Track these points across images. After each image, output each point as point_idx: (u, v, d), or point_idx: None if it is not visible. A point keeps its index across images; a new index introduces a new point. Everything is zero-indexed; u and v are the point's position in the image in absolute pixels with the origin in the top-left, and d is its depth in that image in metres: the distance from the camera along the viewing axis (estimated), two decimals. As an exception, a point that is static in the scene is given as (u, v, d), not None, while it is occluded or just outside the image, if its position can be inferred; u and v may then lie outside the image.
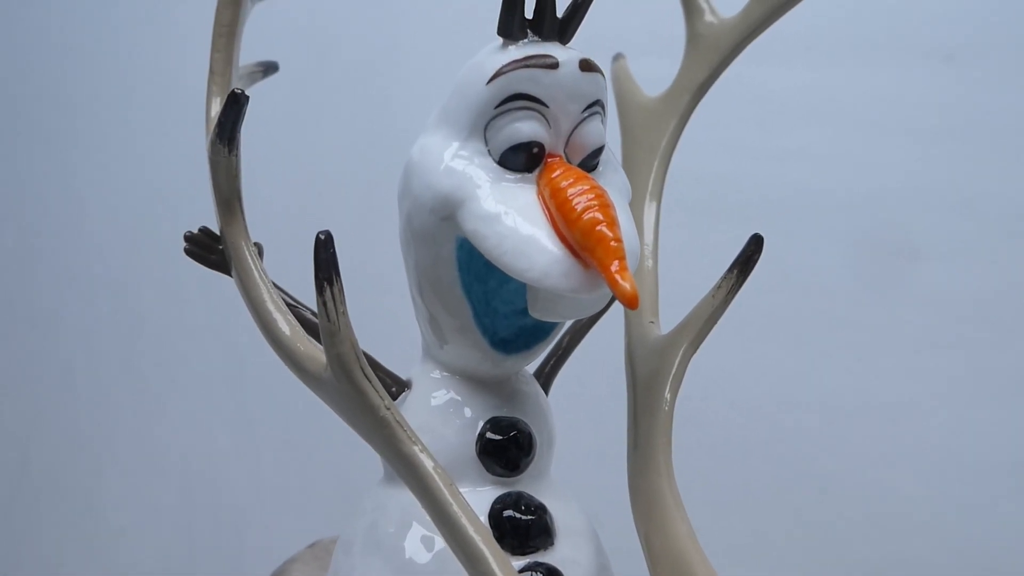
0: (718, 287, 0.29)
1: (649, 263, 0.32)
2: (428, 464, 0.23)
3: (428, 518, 0.26)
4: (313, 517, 0.85)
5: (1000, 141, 0.80)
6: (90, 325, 0.93)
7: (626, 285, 0.23)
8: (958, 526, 0.78)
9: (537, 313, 0.26)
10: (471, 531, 0.23)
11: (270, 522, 0.88)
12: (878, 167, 0.82)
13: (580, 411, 0.37)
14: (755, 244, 0.28)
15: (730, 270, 0.29)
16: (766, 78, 0.82)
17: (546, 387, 0.32)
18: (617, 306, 0.34)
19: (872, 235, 0.82)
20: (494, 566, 0.22)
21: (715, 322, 0.29)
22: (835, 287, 0.81)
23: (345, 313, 0.23)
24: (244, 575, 0.87)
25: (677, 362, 0.29)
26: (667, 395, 0.28)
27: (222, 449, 0.90)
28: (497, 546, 0.22)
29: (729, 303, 0.29)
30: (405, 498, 0.28)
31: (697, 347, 0.29)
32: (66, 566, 0.92)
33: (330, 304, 0.23)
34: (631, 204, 0.30)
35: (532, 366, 0.32)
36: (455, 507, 0.23)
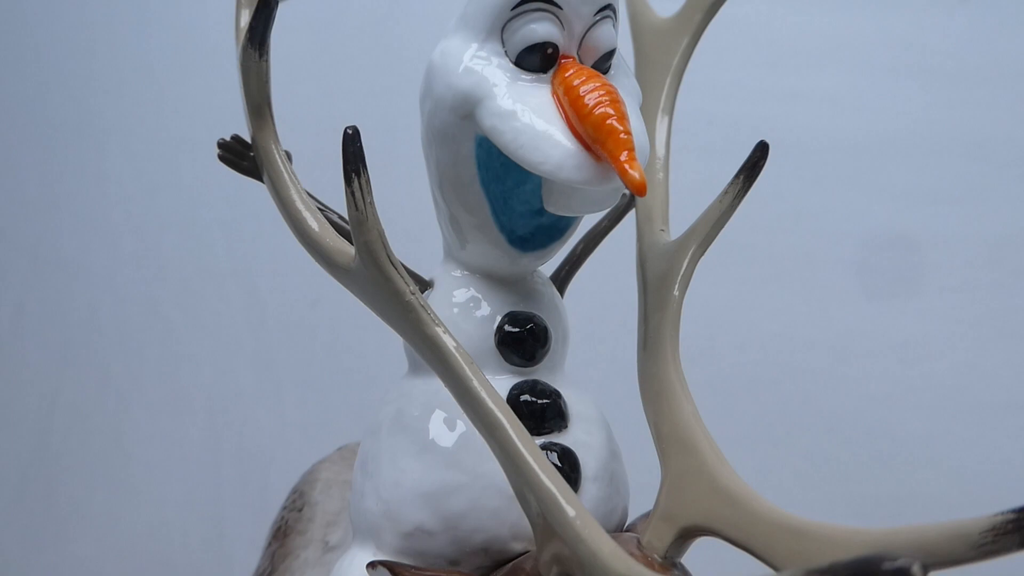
0: (725, 192, 0.30)
1: (660, 175, 0.33)
2: (450, 343, 0.25)
3: (451, 404, 0.28)
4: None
5: (1012, 85, 0.80)
6: (114, 268, 0.95)
7: (635, 174, 0.24)
8: (963, 463, 0.80)
9: (552, 207, 0.28)
10: (490, 403, 0.24)
11: (293, 458, 0.90)
12: (889, 110, 0.83)
13: (594, 315, 0.38)
14: (761, 151, 0.30)
15: (737, 176, 0.30)
16: (778, 19, 0.82)
17: (561, 291, 0.34)
18: (630, 218, 0.35)
19: (882, 177, 0.83)
20: (511, 432, 0.24)
21: (722, 226, 0.30)
22: (845, 230, 0.82)
23: (372, 203, 0.25)
24: (268, 510, 0.90)
25: (686, 263, 0.30)
26: (676, 292, 0.29)
27: (245, 388, 0.92)
28: (513, 415, 0.24)
29: (735, 208, 0.30)
30: (429, 386, 0.29)
31: (705, 249, 0.30)
32: (95, 503, 0.95)
33: (358, 194, 0.25)
34: (644, 118, 0.32)
35: (548, 270, 0.33)
36: (475, 382, 0.25)
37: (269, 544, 0.39)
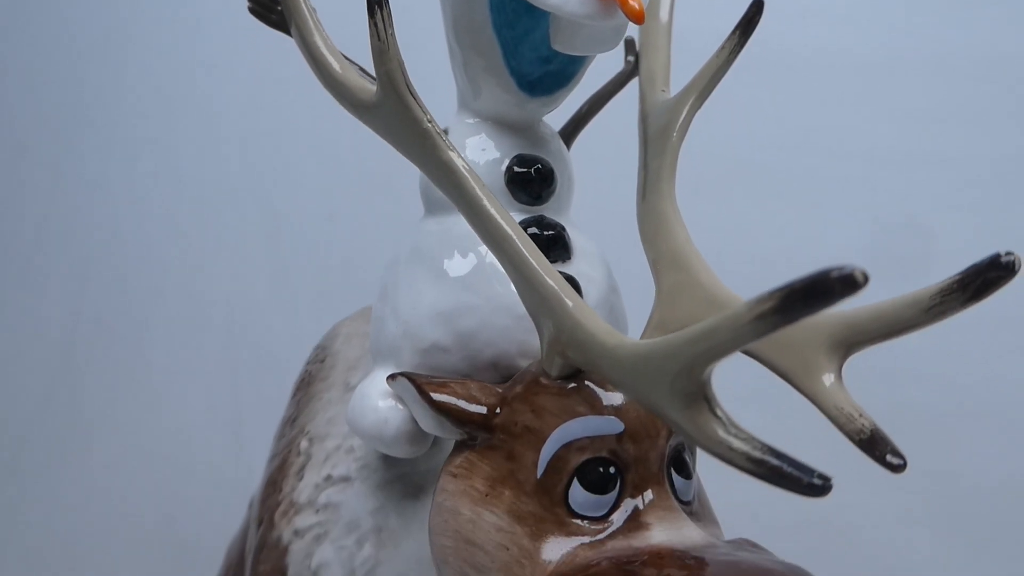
0: (722, 48, 0.32)
1: (662, 40, 0.35)
2: (463, 166, 0.27)
3: (463, 237, 0.30)
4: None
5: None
6: (134, 183, 0.97)
7: (634, 4, 0.26)
8: (961, 377, 0.82)
9: (559, 46, 0.30)
10: (498, 218, 0.27)
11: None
12: (896, 29, 0.83)
13: (598, 170, 0.40)
14: (756, 7, 0.31)
15: (733, 32, 0.32)
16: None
17: (568, 144, 0.36)
18: (633, 85, 0.37)
19: (888, 98, 0.84)
20: (518, 242, 0.26)
21: (719, 80, 0.32)
22: (845, 145, 0.84)
23: (393, 34, 0.27)
24: (285, 416, 0.94)
25: (685, 112, 0.32)
26: (674, 137, 0.31)
27: (261, 300, 0.95)
28: (519, 227, 0.26)
29: (732, 62, 0.32)
30: (443, 224, 0.32)
31: (703, 101, 0.32)
32: (118, 410, 0.98)
33: (380, 25, 0.26)
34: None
35: (555, 125, 0.35)
36: (485, 200, 0.27)
37: (294, 395, 0.42)
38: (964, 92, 0.83)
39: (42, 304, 0.99)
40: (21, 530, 0.95)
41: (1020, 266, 0.20)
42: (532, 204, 0.32)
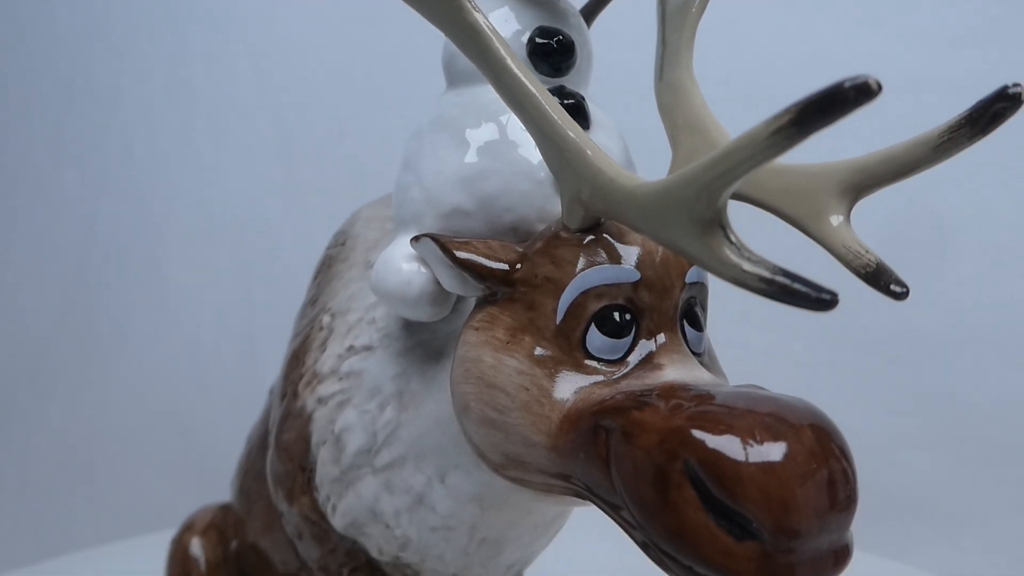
0: None
1: None
2: (487, 25, 0.28)
3: (486, 105, 0.31)
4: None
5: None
6: (146, 100, 0.98)
7: None
8: (962, 302, 0.83)
9: None
10: (521, 76, 0.27)
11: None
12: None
13: (618, 50, 0.41)
14: None
15: None
16: None
17: (588, 23, 0.36)
18: None
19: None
20: (540, 98, 0.27)
21: None
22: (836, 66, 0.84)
23: None
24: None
25: (700, -10, 0.33)
26: (694, 10, 0.32)
27: (273, 218, 0.96)
28: (540, 84, 0.27)
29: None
30: (463, 95, 0.33)
31: None
32: (135, 323, 1.00)
33: None
34: None
35: (579, 3, 0.36)
36: (509, 60, 0.28)
37: (314, 278, 0.43)
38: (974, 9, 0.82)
39: (57, 218, 1.00)
40: (43, 436, 0.98)
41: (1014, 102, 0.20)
42: (553, 75, 0.33)
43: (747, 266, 0.21)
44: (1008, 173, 0.81)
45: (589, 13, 0.37)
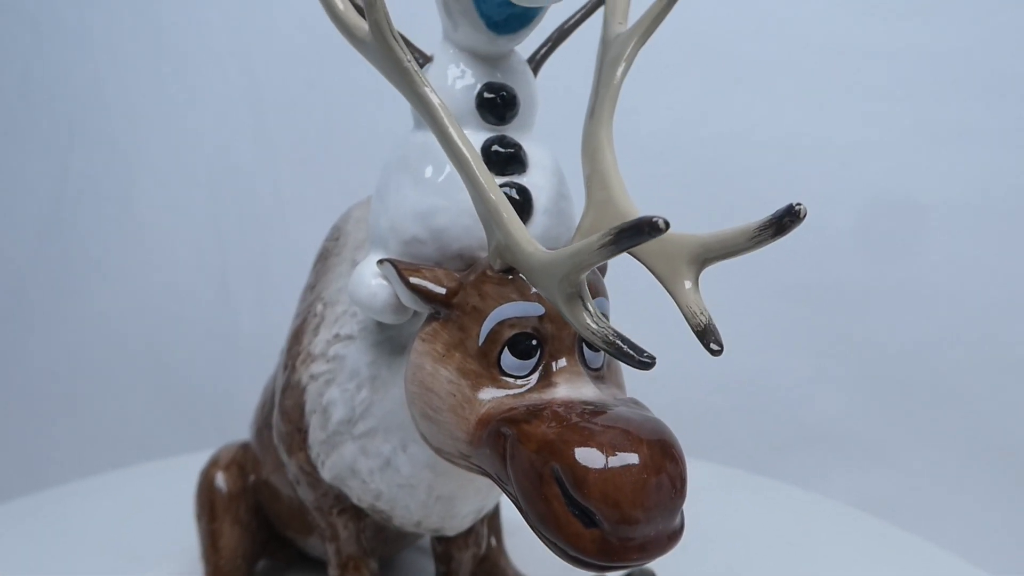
0: None
1: None
2: (435, 100, 0.33)
3: (441, 152, 0.36)
4: (327, 224, 0.96)
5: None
6: (115, 40, 0.99)
7: None
8: (879, 256, 0.90)
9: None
10: (460, 144, 0.33)
11: (290, 225, 1.00)
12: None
13: (560, 92, 0.46)
14: None
15: None
16: None
17: (536, 70, 0.42)
18: (597, 17, 0.42)
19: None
20: (473, 164, 0.33)
21: (661, 20, 0.37)
22: (803, 38, 0.88)
23: (380, -13, 0.32)
24: (269, 268, 1.01)
25: (629, 49, 0.37)
26: (619, 72, 0.37)
27: (244, 162, 1.00)
28: (476, 152, 0.33)
29: (672, 6, 0.37)
30: (426, 138, 0.38)
31: (645, 41, 0.38)
32: (110, 261, 1.04)
33: (369, -21, 0.32)
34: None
35: (526, 52, 0.41)
36: (451, 129, 0.33)
37: (314, 266, 0.50)
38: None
39: (30, 157, 1.03)
40: (24, 372, 1.03)
41: (805, 215, 0.27)
42: (498, 124, 0.38)
43: (595, 328, 0.29)
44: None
45: (541, 58, 0.42)
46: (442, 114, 0.33)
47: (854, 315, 0.92)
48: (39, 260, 1.04)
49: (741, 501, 0.72)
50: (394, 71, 0.34)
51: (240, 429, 0.57)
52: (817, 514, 0.71)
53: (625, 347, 0.28)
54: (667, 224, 0.23)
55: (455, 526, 0.45)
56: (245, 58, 0.98)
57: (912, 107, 0.88)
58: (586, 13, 0.43)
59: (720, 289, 0.90)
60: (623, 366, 0.36)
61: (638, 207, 0.34)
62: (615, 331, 0.28)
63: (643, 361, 0.27)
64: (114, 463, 0.83)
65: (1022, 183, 0.86)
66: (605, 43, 0.39)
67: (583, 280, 0.29)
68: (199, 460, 0.56)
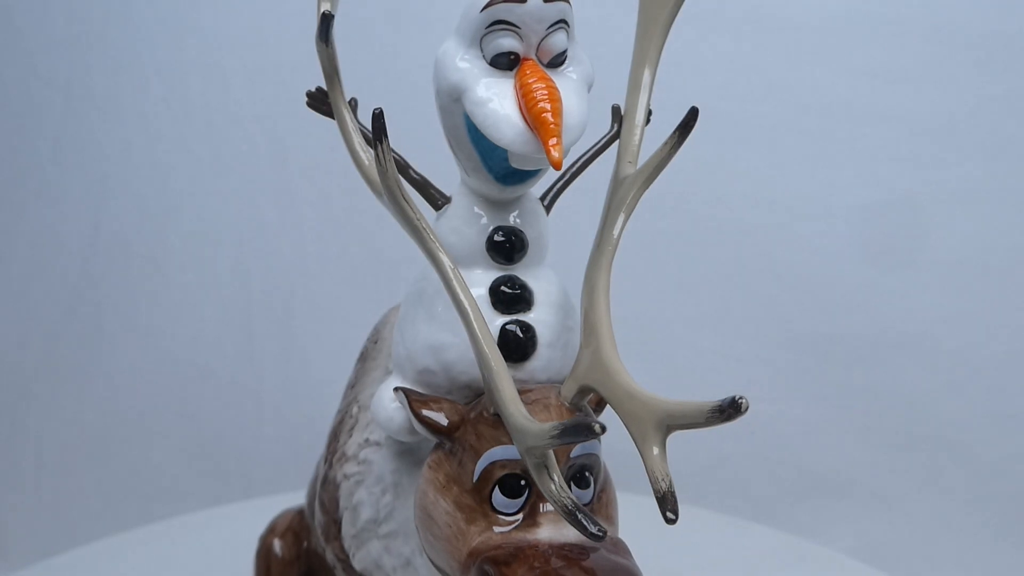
0: (664, 144, 0.38)
1: (639, 119, 0.41)
2: (444, 257, 0.36)
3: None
4: (350, 284, 1.00)
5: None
6: (145, 109, 1.03)
7: (555, 154, 0.35)
8: (884, 311, 0.93)
9: (515, 164, 0.39)
10: (463, 297, 0.36)
11: (312, 284, 1.03)
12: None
13: (574, 227, 0.49)
14: (692, 115, 0.38)
15: (672, 134, 0.38)
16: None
17: (549, 207, 0.45)
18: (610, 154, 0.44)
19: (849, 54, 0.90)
20: (472, 318, 0.36)
21: (661, 169, 0.39)
22: (807, 103, 0.91)
23: (391, 160, 0.34)
24: (292, 325, 1.04)
25: (632, 196, 0.40)
26: (622, 216, 0.39)
27: (269, 222, 1.03)
28: (476, 306, 0.36)
29: (672, 157, 0.39)
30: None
31: (648, 186, 0.39)
32: (139, 319, 1.07)
33: (381, 156, 0.34)
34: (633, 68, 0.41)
35: (539, 191, 0.44)
36: (455, 283, 0.36)
37: (356, 364, 0.53)
38: (913, 55, 0.89)
39: (62, 219, 1.06)
40: (54, 428, 1.07)
41: (747, 408, 0.28)
42: (507, 264, 0.41)
43: (556, 493, 0.33)
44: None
45: (559, 190, 0.45)
46: (448, 270, 0.37)
47: (859, 365, 0.94)
48: (70, 317, 1.07)
49: (740, 549, 0.72)
50: (407, 227, 0.37)
51: (263, 483, 0.59)
52: (818, 569, 0.72)
53: (580, 518, 0.31)
54: (603, 428, 0.29)
55: None
56: (268, 121, 1.01)
57: (915, 168, 0.90)
58: (599, 149, 0.46)
59: (729, 338, 0.94)
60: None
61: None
62: (574, 502, 0.32)
63: (594, 534, 0.31)
64: (143, 517, 0.86)
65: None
66: (615, 181, 0.41)
67: (549, 452, 0.33)
68: (224, 514, 0.58)
